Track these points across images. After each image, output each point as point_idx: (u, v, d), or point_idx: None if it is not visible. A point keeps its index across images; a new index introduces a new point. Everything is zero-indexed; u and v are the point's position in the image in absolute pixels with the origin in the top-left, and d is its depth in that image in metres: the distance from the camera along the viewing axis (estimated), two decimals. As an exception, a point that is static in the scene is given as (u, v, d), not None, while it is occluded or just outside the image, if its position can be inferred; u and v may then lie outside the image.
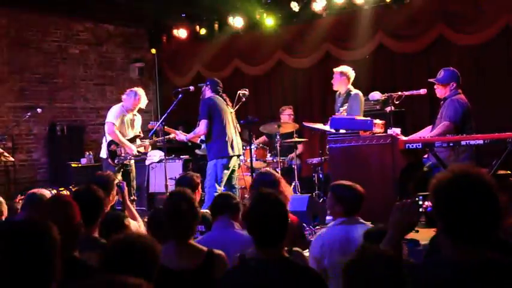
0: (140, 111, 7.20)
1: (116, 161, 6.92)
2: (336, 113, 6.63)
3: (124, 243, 2.26)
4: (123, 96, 7.15)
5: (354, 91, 6.60)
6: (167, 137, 6.84)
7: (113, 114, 7.03)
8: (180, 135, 6.70)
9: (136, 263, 2.17)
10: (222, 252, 2.92)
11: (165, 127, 6.83)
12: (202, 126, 6.42)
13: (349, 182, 3.53)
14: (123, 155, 6.93)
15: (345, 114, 6.40)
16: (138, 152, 7.04)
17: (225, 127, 6.44)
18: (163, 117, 6.57)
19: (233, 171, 6.42)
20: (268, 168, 7.91)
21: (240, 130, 6.81)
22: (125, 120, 7.04)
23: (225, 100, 6.68)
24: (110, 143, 6.97)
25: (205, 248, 2.90)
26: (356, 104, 6.44)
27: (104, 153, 7.03)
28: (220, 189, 6.18)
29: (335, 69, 6.79)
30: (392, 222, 2.23)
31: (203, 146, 6.54)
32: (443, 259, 1.96)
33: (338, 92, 6.82)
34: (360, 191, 3.45)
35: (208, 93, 6.63)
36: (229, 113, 6.64)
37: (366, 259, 1.96)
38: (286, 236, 2.49)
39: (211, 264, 2.80)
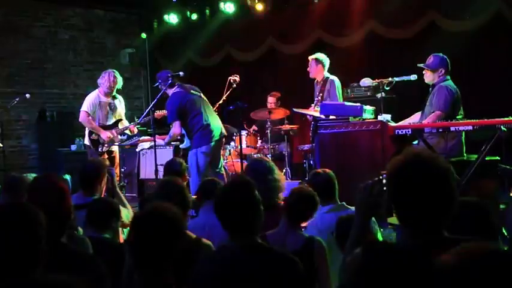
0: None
1: (100, 149, 6.90)
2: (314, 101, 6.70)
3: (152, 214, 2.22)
4: (98, 80, 7.07)
5: (331, 77, 6.69)
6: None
7: (86, 102, 7.00)
8: (158, 141, 6.42)
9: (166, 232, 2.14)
10: (210, 243, 2.81)
11: (141, 138, 6.89)
12: (175, 128, 6.15)
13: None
14: (106, 143, 6.90)
15: (321, 101, 6.45)
16: (124, 134, 7.02)
17: (198, 117, 6.13)
18: (153, 103, 6.49)
19: (217, 156, 6.30)
20: (260, 155, 7.95)
21: (211, 106, 6.51)
22: (103, 105, 7.00)
23: (185, 88, 6.32)
24: (90, 132, 6.96)
25: (193, 236, 2.81)
26: (333, 90, 6.61)
27: (87, 141, 7.04)
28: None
29: (310, 57, 6.84)
30: (356, 204, 2.14)
31: (185, 140, 6.38)
32: (400, 247, 1.86)
33: (316, 80, 6.86)
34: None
35: (168, 90, 6.28)
36: (198, 98, 6.30)
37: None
38: (259, 222, 2.38)
39: (197, 251, 2.66)
